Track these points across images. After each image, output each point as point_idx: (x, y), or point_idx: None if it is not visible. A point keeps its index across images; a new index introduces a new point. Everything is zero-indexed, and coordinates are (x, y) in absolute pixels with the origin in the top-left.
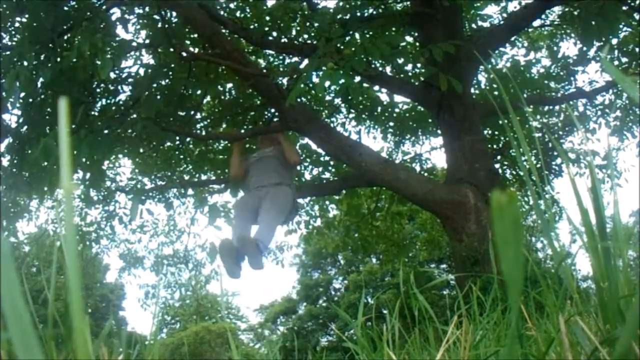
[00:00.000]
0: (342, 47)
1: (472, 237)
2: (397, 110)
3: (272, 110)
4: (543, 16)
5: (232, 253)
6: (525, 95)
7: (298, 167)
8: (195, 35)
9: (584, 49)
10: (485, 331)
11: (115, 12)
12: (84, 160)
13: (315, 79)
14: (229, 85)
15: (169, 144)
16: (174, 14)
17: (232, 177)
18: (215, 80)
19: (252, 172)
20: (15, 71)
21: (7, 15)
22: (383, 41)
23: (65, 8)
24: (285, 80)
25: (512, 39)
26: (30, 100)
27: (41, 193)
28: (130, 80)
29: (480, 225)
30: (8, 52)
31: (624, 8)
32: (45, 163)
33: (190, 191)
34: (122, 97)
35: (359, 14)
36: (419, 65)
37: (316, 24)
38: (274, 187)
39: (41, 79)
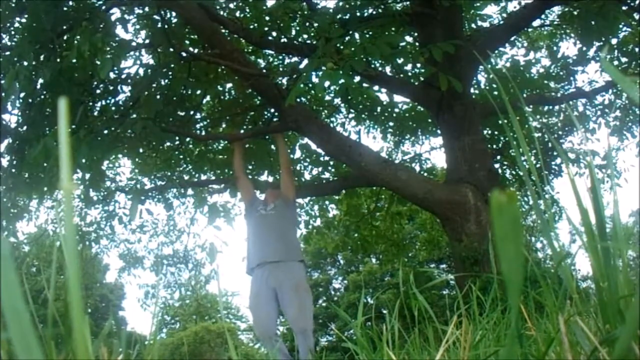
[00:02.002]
0: (341, 47)
1: (471, 237)
2: (396, 110)
3: (272, 110)
4: (543, 16)
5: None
6: (524, 95)
7: (297, 166)
8: (195, 36)
9: (584, 49)
10: (485, 331)
11: (115, 12)
12: (83, 160)
13: (314, 79)
14: (229, 85)
15: (168, 144)
16: (174, 14)
17: (236, 178)
18: (215, 80)
19: (254, 236)
20: (15, 71)
21: (7, 16)
22: (383, 41)
23: (65, 8)
24: (285, 80)
25: (512, 39)
26: (30, 100)
27: (41, 193)
28: (129, 80)
29: (480, 225)
30: (8, 52)
31: (624, 8)
32: (45, 163)
33: (190, 191)
34: (122, 97)
35: (358, 14)
36: (418, 65)
37: (316, 24)
38: (285, 274)
39: (41, 79)
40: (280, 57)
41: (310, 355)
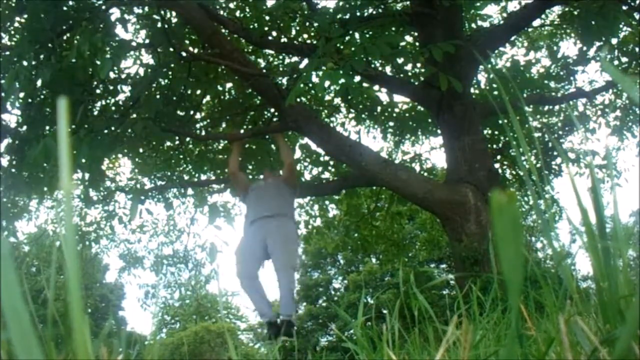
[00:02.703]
0: (341, 47)
1: (471, 237)
2: (397, 110)
3: (272, 110)
4: (543, 16)
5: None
6: (525, 95)
7: (297, 166)
8: (195, 36)
9: (584, 48)
10: (485, 331)
11: (115, 12)
12: (83, 160)
13: (315, 79)
14: (229, 85)
15: (168, 144)
16: (174, 14)
17: (229, 174)
18: (215, 80)
19: (251, 201)
20: (15, 71)
21: (7, 15)
22: (383, 41)
23: (65, 8)
24: (285, 80)
25: (512, 39)
26: (30, 100)
27: (41, 193)
28: (129, 80)
29: (480, 225)
30: (8, 52)
31: (624, 8)
32: (45, 163)
33: (190, 191)
34: (122, 97)
35: (359, 14)
36: (419, 65)
37: (316, 24)
38: (276, 225)
39: (41, 79)
40: (280, 57)
41: (291, 294)
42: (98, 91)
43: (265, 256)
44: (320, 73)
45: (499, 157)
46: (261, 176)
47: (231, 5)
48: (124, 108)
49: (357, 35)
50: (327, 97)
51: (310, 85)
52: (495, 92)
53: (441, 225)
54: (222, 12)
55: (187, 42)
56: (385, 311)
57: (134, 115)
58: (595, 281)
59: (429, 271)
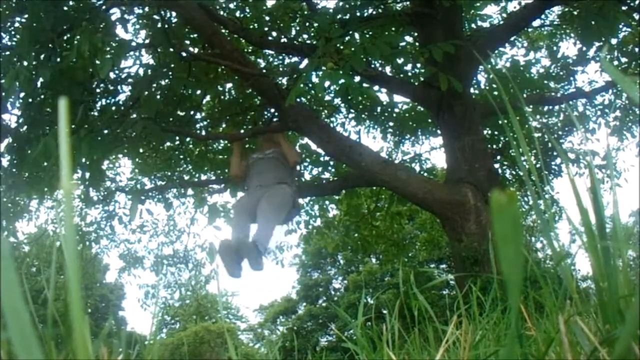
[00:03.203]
0: (341, 47)
1: (471, 237)
2: (396, 110)
3: (272, 110)
4: (543, 16)
5: (232, 253)
6: (524, 95)
7: (298, 167)
8: (195, 35)
9: (584, 49)
10: (485, 331)
11: (115, 12)
12: (83, 160)
13: (314, 79)
14: (229, 85)
15: (168, 144)
16: (174, 14)
17: (232, 177)
18: (215, 80)
19: (251, 172)
20: (15, 71)
21: (7, 15)
22: (383, 41)
23: (65, 8)
24: (284, 80)
25: (512, 39)
26: (30, 100)
27: (41, 193)
28: (130, 80)
29: (480, 225)
30: (8, 52)
31: (624, 8)
32: (45, 163)
33: (190, 191)
34: (122, 97)
35: (358, 14)
36: (419, 65)
37: (316, 24)
38: (272, 187)
39: (41, 79)
40: (280, 57)
41: (268, 230)
42: (98, 91)
43: (255, 216)
44: (320, 73)
45: (499, 157)
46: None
47: (231, 5)
48: (124, 108)
49: (357, 35)
50: (327, 97)
51: (310, 85)
52: (495, 92)
53: (441, 225)
54: (222, 12)
55: (187, 42)
56: (385, 311)
57: (134, 115)
58: (595, 281)
59: (429, 271)
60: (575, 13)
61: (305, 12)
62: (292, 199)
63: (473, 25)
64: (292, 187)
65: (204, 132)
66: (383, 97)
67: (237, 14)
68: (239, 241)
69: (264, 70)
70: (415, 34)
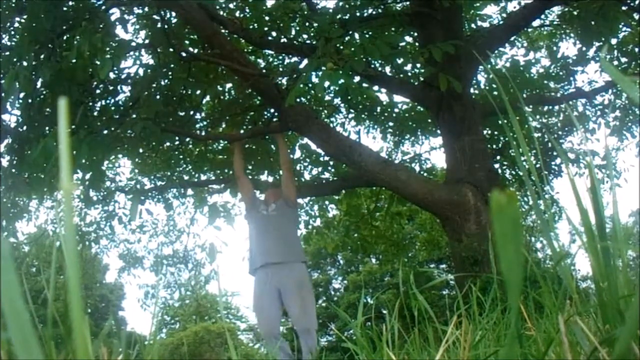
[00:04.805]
0: (341, 47)
1: (471, 237)
2: (396, 110)
3: (272, 110)
4: (542, 16)
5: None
6: (524, 95)
7: (297, 166)
8: (195, 36)
9: (584, 49)
10: (485, 331)
11: (115, 12)
12: (83, 160)
13: (314, 79)
14: (229, 85)
15: (168, 144)
16: (174, 14)
17: (236, 178)
18: (215, 80)
19: (257, 237)
20: (14, 71)
21: (6, 15)
22: (383, 41)
23: (65, 8)
24: (284, 81)
25: (512, 39)
26: (30, 100)
27: (41, 193)
28: (129, 80)
29: (480, 226)
30: (8, 52)
31: (624, 8)
32: (45, 163)
33: (189, 191)
34: (122, 97)
35: (358, 14)
36: (418, 65)
37: (316, 24)
38: (287, 274)
39: (41, 79)
40: (280, 57)
41: (310, 355)
42: (98, 91)
43: (281, 303)
44: (320, 73)
45: (499, 157)
46: (262, 196)
47: (231, 5)
48: (124, 108)
49: (356, 35)
50: (327, 97)
51: (310, 85)
52: (495, 92)
53: (441, 226)
54: (222, 13)
55: (187, 42)
56: (385, 311)
57: (134, 116)
58: (594, 281)
59: (428, 271)
60: (575, 13)
61: (305, 12)
62: (308, 275)
63: (473, 25)
64: (302, 257)
65: (203, 133)
66: (383, 97)
67: (237, 14)
68: (284, 350)
69: (264, 71)
70: (415, 34)
